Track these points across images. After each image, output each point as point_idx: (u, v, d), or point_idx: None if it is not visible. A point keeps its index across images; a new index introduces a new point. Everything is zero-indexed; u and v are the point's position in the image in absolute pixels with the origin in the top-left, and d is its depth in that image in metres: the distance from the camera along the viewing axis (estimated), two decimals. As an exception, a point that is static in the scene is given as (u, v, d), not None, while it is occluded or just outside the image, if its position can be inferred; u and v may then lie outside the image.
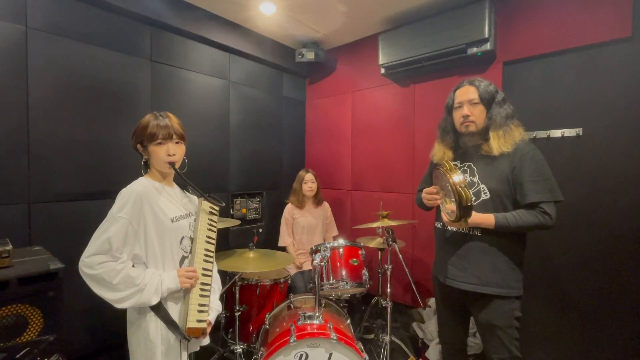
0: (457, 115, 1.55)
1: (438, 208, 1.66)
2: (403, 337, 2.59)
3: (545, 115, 2.28)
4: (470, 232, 1.49)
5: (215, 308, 1.39)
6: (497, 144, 1.46)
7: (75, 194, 2.08)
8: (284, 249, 2.92)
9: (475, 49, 2.39)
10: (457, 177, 1.30)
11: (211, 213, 1.45)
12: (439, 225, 1.66)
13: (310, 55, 3.28)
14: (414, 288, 1.90)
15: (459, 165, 1.58)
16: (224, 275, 2.01)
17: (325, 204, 3.06)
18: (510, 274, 1.46)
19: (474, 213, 1.36)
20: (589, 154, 2.12)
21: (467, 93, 1.52)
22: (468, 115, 1.50)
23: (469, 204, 1.28)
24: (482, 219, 1.42)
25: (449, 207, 1.42)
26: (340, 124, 3.49)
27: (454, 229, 1.55)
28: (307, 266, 2.69)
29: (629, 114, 2.00)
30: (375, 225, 2.29)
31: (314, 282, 1.85)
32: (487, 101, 1.50)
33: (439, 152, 1.66)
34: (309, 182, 2.86)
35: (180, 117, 1.40)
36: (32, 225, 1.91)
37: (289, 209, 2.90)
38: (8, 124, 1.84)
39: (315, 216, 2.93)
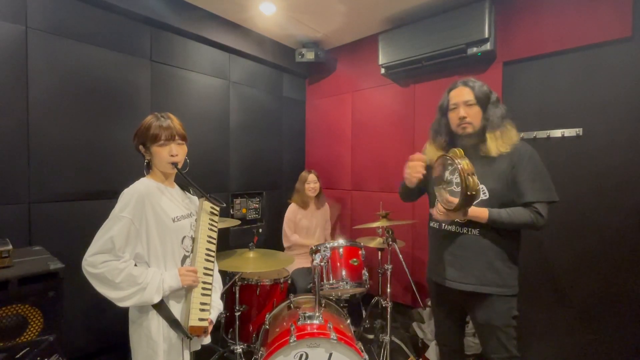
0: (454, 117, 1.53)
1: (432, 208, 1.64)
2: (403, 337, 2.59)
3: (545, 115, 2.28)
4: (468, 232, 1.49)
5: (216, 307, 1.39)
6: (495, 145, 1.45)
7: (75, 194, 2.08)
8: (284, 249, 2.92)
9: (475, 49, 2.39)
10: (467, 164, 1.26)
11: (212, 213, 1.46)
12: (434, 225, 1.64)
13: (310, 55, 3.28)
14: (414, 288, 1.90)
15: None
16: (224, 275, 2.01)
17: (326, 206, 3.07)
18: (508, 272, 1.46)
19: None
20: (589, 154, 2.12)
21: (462, 94, 1.50)
22: (465, 117, 1.48)
23: (474, 193, 1.25)
24: (477, 212, 1.41)
25: (446, 197, 1.41)
26: (340, 124, 3.49)
27: (449, 227, 1.54)
28: (306, 263, 2.69)
29: (629, 114, 2.00)
30: (375, 225, 2.29)
31: (314, 282, 1.85)
32: (483, 102, 1.48)
33: (430, 153, 1.63)
34: (311, 183, 2.87)
35: (180, 117, 1.40)
36: (32, 225, 1.91)
37: (292, 209, 2.90)
38: (8, 124, 1.83)
39: (317, 217, 2.94)
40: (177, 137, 1.31)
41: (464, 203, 1.29)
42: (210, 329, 1.33)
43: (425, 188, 1.73)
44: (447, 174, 1.54)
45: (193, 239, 1.38)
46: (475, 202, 1.46)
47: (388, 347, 2.07)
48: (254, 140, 3.24)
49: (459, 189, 1.38)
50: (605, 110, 2.07)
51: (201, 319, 1.26)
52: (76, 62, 2.07)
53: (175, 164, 1.31)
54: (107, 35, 2.21)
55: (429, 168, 1.56)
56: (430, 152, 1.65)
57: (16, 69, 1.86)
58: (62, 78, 2.02)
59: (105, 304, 1.17)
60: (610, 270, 2.05)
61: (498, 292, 1.44)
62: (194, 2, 2.61)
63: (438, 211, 1.47)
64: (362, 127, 3.31)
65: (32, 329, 1.31)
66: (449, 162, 1.37)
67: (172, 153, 1.29)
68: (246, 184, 3.18)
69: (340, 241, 2.24)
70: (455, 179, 1.45)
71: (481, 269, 1.46)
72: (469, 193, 1.25)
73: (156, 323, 1.24)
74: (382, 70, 2.95)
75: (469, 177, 1.24)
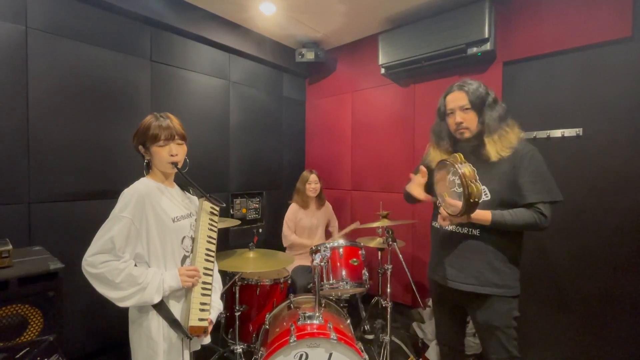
0: (451, 122, 1.53)
1: (435, 207, 1.64)
2: (403, 337, 2.59)
3: (545, 115, 2.28)
4: (469, 232, 1.49)
5: (216, 307, 1.39)
6: (494, 149, 1.43)
7: (75, 194, 2.08)
8: (284, 249, 2.92)
9: (475, 49, 2.39)
10: (469, 170, 1.25)
11: (212, 213, 1.46)
12: (436, 225, 1.64)
13: (310, 55, 3.28)
14: (414, 288, 1.90)
15: None
16: (224, 275, 2.01)
17: (327, 204, 3.08)
18: (509, 273, 1.46)
19: None
20: (589, 154, 2.12)
21: (457, 99, 1.49)
22: (461, 122, 1.48)
23: (477, 200, 1.23)
24: (480, 215, 1.40)
25: (449, 202, 1.40)
26: (340, 124, 3.49)
27: (450, 227, 1.54)
28: (306, 262, 2.70)
29: (629, 114, 2.00)
30: (375, 225, 2.29)
31: (314, 282, 1.85)
32: (478, 106, 1.47)
33: (435, 157, 1.61)
34: (312, 183, 2.86)
35: (180, 117, 1.40)
36: (32, 225, 1.91)
37: (293, 209, 2.90)
38: (8, 124, 1.84)
39: (318, 217, 2.94)
40: (176, 137, 1.31)
41: (467, 209, 1.28)
42: (210, 329, 1.32)
43: (429, 189, 1.73)
44: (448, 177, 1.53)
45: (193, 239, 1.38)
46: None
47: (388, 347, 2.07)
48: (254, 140, 3.24)
49: (460, 190, 1.37)
50: (605, 110, 2.07)
51: (201, 319, 1.26)
52: (76, 62, 2.07)
53: (175, 164, 1.31)
54: (107, 35, 2.21)
55: (430, 171, 1.55)
56: (435, 156, 1.63)
57: (16, 69, 1.86)
58: (62, 78, 2.02)
59: (105, 304, 1.17)
60: (610, 270, 2.05)
61: (498, 292, 1.44)
62: (194, 2, 2.61)
63: (442, 217, 1.46)
64: (362, 127, 3.31)
65: (32, 329, 1.31)
66: (450, 167, 1.36)
67: (172, 153, 1.29)
68: (246, 184, 3.18)
69: (340, 241, 2.24)
70: (457, 180, 1.45)
71: (481, 270, 1.46)
72: (472, 200, 1.23)
73: (156, 323, 1.24)
74: (382, 70, 2.95)
75: (472, 184, 1.22)
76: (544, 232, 1.43)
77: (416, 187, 1.56)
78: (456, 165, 1.27)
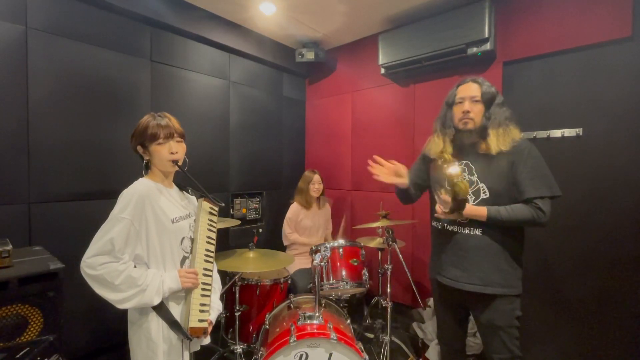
0: (458, 111, 1.55)
1: (433, 208, 1.65)
2: (403, 337, 2.59)
3: (545, 115, 2.28)
4: (471, 232, 1.49)
5: (216, 307, 1.39)
6: (496, 142, 1.46)
7: (75, 194, 2.08)
8: (284, 249, 2.92)
9: (475, 49, 2.39)
10: (454, 170, 1.31)
11: (211, 214, 1.46)
12: (436, 225, 1.65)
13: (310, 55, 3.28)
14: (414, 288, 1.90)
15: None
16: (224, 275, 2.01)
17: (327, 206, 3.08)
18: (512, 272, 1.46)
19: (467, 205, 1.40)
20: (589, 154, 2.12)
21: (470, 89, 1.53)
22: (468, 112, 1.50)
23: (464, 197, 1.30)
24: (475, 210, 1.43)
25: (444, 198, 1.43)
26: (340, 124, 3.49)
27: (452, 228, 1.55)
28: (307, 264, 2.70)
29: (629, 114, 2.00)
30: (375, 225, 2.29)
31: (314, 282, 1.85)
32: (488, 101, 1.51)
33: (439, 144, 1.62)
34: (316, 183, 2.87)
35: (180, 117, 1.40)
36: (32, 225, 1.91)
37: (294, 209, 2.90)
38: (8, 124, 1.83)
39: (319, 217, 2.95)
40: (175, 135, 1.31)
41: (454, 207, 1.35)
42: (210, 329, 1.33)
43: (424, 185, 1.75)
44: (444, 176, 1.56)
45: (192, 240, 1.38)
46: (476, 202, 1.47)
47: (388, 347, 2.07)
48: (254, 140, 3.24)
49: None
50: (605, 110, 2.07)
51: (201, 320, 1.26)
52: (76, 62, 2.07)
53: (175, 162, 1.31)
54: (107, 35, 2.21)
55: (427, 166, 1.58)
56: (438, 144, 1.63)
57: (16, 69, 1.86)
58: (62, 78, 2.02)
59: (105, 304, 1.17)
60: (610, 270, 2.05)
61: (502, 292, 1.44)
62: (194, 2, 2.60)
63: (437, 211, 1.50)
64: (362, 127, 3.31)
65: (32, 329, 1.31)
66: (444, 165, 1.40)
67: (171, 151, 1.29)
68: (246, 184, 3.18)
69: (340, 241, 2.25)
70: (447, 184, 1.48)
71: (485, 270, 1.46)
72: (458, 198, 1.30)
73: (156, 324, 1.24)
74: (382, 70, 2.95)
75: (457, 183, 1.29)
76: (543, 231, 1.44)
77: (388, 175, 1.66)
78: (443, 167, 1.35)
